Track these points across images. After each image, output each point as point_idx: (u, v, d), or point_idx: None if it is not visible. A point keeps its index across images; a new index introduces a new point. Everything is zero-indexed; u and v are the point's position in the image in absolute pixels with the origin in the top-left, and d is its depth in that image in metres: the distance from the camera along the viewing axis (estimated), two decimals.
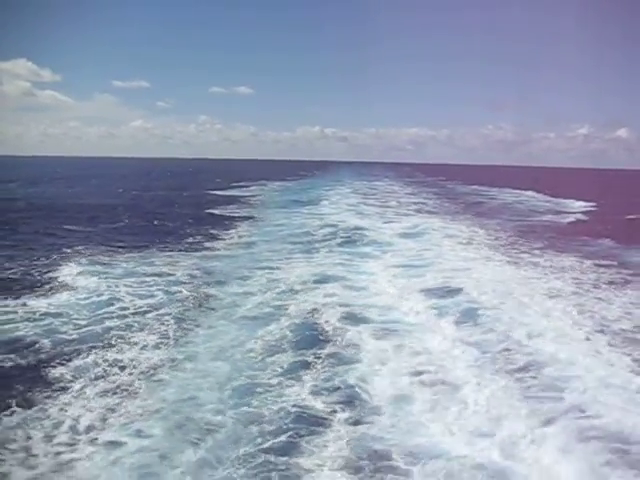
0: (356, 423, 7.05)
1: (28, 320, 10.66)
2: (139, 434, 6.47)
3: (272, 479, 5.71)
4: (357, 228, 25.20)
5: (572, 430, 6.61)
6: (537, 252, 20.45)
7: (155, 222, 26.86)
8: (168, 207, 35.58)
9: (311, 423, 7.01)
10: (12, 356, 8.89)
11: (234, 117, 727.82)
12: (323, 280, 14.79)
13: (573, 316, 11.99)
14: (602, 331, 10.96)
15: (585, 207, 42.16)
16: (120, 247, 19.10)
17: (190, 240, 21.46)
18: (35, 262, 16.19)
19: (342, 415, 7.25)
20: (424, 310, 12.39)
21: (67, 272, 14.49)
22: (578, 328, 11.08)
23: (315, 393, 7.86)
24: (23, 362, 8.72)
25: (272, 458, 6.07)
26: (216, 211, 32.87)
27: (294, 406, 7.42)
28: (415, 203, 41.70)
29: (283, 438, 6.56)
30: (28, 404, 7.27)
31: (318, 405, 7.53)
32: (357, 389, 8.06)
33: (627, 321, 11.73)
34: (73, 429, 6.57)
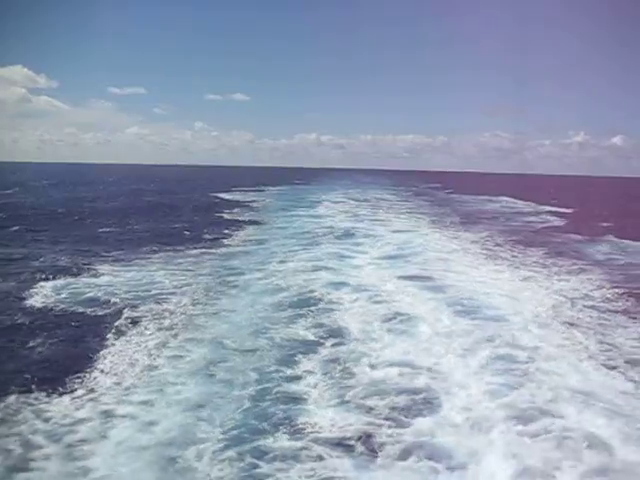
0: (335, 345, 10.43)
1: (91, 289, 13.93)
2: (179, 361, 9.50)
3: (281, 373, 9.05)
4: (350, 229, 28.40)
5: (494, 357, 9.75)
6: (510, 247, 23.62)
7: (174, 225, 29.81)
8: (180, 211, 38.58)
9: (305, 346, 10.38)
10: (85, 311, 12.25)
11: (230, 124, 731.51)
12: (318, 267, 18.06)
13: (515, 281, 15.46)
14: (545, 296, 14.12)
15: (562, 212, 45.28)
16: (146, 245, 22.05)
17: (207, 238, 24.69)
18: (78, 256, 19.23)
19: (326, 341, 10.68)
20: (392, 280, 16.33)
21: (107, 267, 17.38)
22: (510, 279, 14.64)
23: (307, 329, 11.39)
24: (93, 314, 12.22)
25: (282, 365, 9.42)
26: (224, 215, 35.98)
27: (294, 337, 10.91)
28: (406, 209, 44.81)
29: (287, 352, 10.03)
30: (106, 340, 10.45)
31: (309, 336, 10.96)
32: (335, 326, 11.56)
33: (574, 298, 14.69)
34: (133, 358, 9.61)
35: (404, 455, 6.63)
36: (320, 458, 6.48)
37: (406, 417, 7.60)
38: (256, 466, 6.24)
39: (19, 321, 11.49)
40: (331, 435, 7.03)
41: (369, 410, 7.76)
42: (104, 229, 27.19)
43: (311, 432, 7.07)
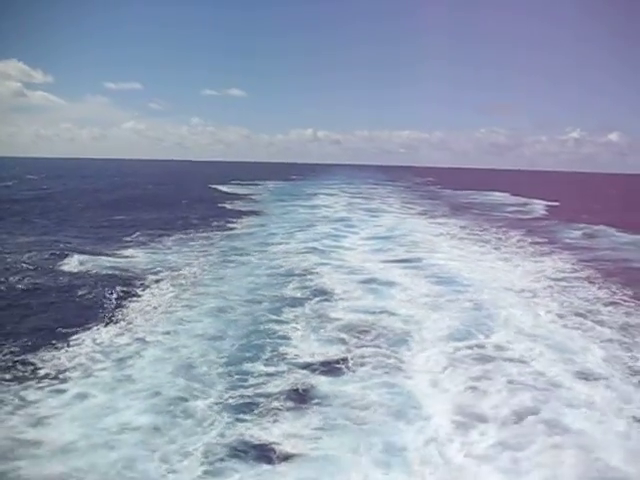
0: (319, 302, 12.60)
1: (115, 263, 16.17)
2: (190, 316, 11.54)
3: (272, 318, 11.26)
4: (343, 217, 30.51)
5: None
6: (492, 233, 25.73)
7: (181, 214, 31.72)
8: (183, 202, 40.64)
9: (292, 301, 12.62)
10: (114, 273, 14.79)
11: (227, 119, 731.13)
12: (311, 246, 20.36)
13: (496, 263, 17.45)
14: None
15: (547, 205, 47.33)
16: (157, 230, 24.06)
17: (213, 224, 26.85)
18: (96, 240, 21.36)
19: (312, 299, 12.85)
20: (377, 256, 18.94)
21: (131, 251, 19.20)
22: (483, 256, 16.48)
23: (295, 289, 13.74)
24: (121, 277, 14.69)
25: (272, 314, 11.58)
26: (226, 205, 38.20)
27: (284, 295, 13.21)
28: (399, 201, 46.83)
29: (277, 305, 12.25)
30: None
31: (297, 295, 13.24)
32: (320, 288, 13.82)
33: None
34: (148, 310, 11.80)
35: (373, 370, 8.70)
36: (301, 375, 8.47)
37: (376, 346, 9.70)
38: (250, 380, 8.25)
39: (63, 281, 14.30)
40: (311, 360, 9.07)
41: (344, 342, 9.89)
42: (115, 217, 29.06)
43: (294, 358, 9.12)
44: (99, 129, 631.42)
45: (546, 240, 23.98)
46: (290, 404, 7.46)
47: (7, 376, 8.05)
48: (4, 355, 8.87)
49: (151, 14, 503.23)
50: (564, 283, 15.26)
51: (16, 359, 8.68)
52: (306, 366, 8.80)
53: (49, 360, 8.73)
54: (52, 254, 17.12)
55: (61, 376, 8.15)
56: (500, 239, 24.07)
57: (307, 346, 9.65)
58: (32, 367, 8.43)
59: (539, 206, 46.04)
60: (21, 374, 8.18)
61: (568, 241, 24.19)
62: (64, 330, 10.13)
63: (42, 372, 8.27)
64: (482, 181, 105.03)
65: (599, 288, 14.70)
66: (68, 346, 9.34)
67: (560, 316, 11.85)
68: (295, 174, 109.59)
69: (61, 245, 19.25)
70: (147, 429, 6.68)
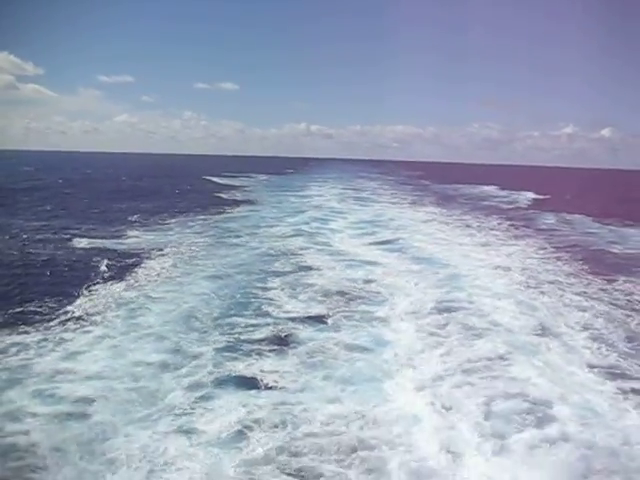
0: (303, 274, 14.10)
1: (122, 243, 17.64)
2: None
3: (259, 284, 12.90)
4: (334, 206, 32.14)
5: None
6: (474, 220, 27.34)
7: (180, 202, 33.33)
8: (181, 191, 42.29)
9: (278, 273, 14.14)
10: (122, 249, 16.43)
11: (220, 113, 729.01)
12: (300, 230, 21.95)
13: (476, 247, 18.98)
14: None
15: (532, 197, 49.04)
16: (158, 216, 25.60)
17: (210, 210, 28.63)
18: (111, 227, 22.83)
19: (296, 271, 14.42)
20: (360, 238, 20.61)
21: (137, 231, 21.05)
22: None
23: (283, 264, 15.41)
24: (129, 251, 16.59)
25: (259, 282, 13.26)
26: (222, 194, 39.82)
27: (271, 268, 14.81)
28: (388, 192, 48.40)
29: (265, 275, 13.96)
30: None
31: (283, 268, 14.89)
32: (304, 264, 15.36)
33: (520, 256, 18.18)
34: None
35: (345, 321, 10.28)
36: (283, 326, 9.96)
37: (349, 304, 11.33)
38: (238, 329, 9.74)
39: (77, 254, 16.25)
40: (291, 315, 10.60)
41: (321, 302, 11.45)
42: (114, 205, 30.36)
43: (277, 314, 10.64)
44: (91, 122, 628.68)
45: (523, 226, 25.60)
46: (272, 347, 8.94)
47: (51, 323, 9.83)
48: (44, 307, 10.73)
49: (144, 7, 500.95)
50: (533, 261, 16.86)
51: (54, 308, 10.68)
52: (287, 319, 10.33)
53: (77, 309, 10.63)
54: (62, 236, 18.80)
55: (86, 321, 9.88)
56: (480, 225, 25.67)
57: (289, 305, 11.21)
58: (66, 315, 10.32)
59: (524, 198, 47.72)
60: (57, 320, 10.02)
61: (544, 227, 25.81)
62: (84, 288, 12.18)
63: (73, 318, 10.12)
64: (473, 175, 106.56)
65: (563, 264, 16.34)
66: (89, 300, 11.24)
67: (525, 285, 13.40)
68: (288, 168, 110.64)
69: (69, 229, 20.78)
70: (156, 364, 8.13)
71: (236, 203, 33.05)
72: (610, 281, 14.07)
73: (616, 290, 13.23)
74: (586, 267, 15.88)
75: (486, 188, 63.14)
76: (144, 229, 21.25)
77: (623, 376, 7.98)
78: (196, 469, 5.48)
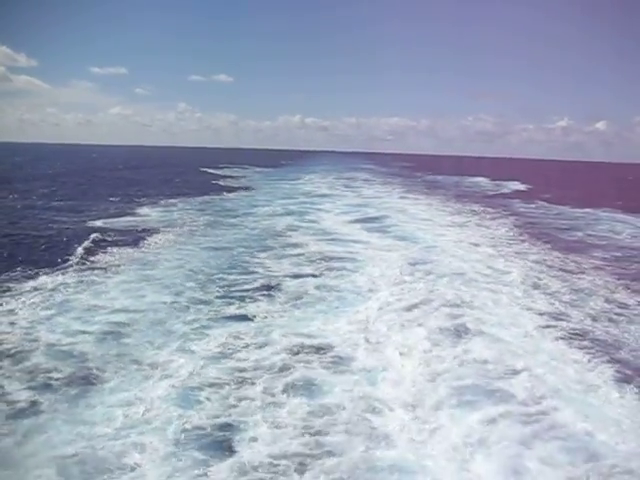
0: (291, 246, 16.02)
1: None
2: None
3: (251, 251, 14.97)
4: (325, 193, 34.26)
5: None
6: (456, 204, 29.38)
7: (177, 189, 35.34)
8: (180, 180, 44.62)
9: (269, 245, 16.16)
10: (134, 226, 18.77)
11: (214, 105, 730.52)
12: (290, 211, 24.23)
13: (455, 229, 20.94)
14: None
15: (515, 187, 51.13)
16: (164, 200, 27.89)
17: (210, 194, 31.19)
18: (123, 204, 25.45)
19: (285, 245, 16.28)
20: (346, 217, 22.82)
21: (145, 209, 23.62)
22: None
23: (273, 238, 17.39)
24: (139, 227, 18.56)
25: (256, 250, 15.21)
26: (220, 182, 42.40)
27: (264, 242, 16.83)
28: (379, 181, 50.43)
29: (257, 245, 16.22)
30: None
31: (274, 242, 16.84)
32: (293, 240, 17.23)
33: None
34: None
35: (327, 272, 12.51)
36: (271, 279, 11.98)
37: (330, 264, 13.42)
38: (234, 283, 11.63)
39: (95, 228, 18.52)
40: (279, 273, 12.59)
41: (305, 264, 13.58)
42: (119, 191, 32.27)
43: (267, 272, 12.65)
44: (85, 114, 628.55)
45: (501, 210, 27.69)
46: (263, 293, 10.90)
47: (85, 273, 12.16)
48: (79, 258, 13.42)
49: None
50: (502, 237, 18.88)
51: (86, 259, 13.44)
52: (275, 274, 12.37)
53: (103, 260, 13.37)
54: (82, 217, 21.10)
55: (112, 270, 12.36)
56: (461, 208, 27.79)
57: (276, 267, 13.20)
58: (94, 264, 13.01)
59: (507, 188, 49.77)
60: (89, 268, 12.65)
61: (519, 212, 27.79)
62: (106, 248, 14.87)
63: (100, 268, 12.58)
64: (465, 167, 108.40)
65: (526, 240, 18.38)
66: (112, 256, 13.84)
67: (490, 255, 15.37)
68: (284, 160, 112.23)
69: (89, 211, 23.19)
70: (169, 304, 10.06)
71: (233, 189, 35.51)
72: (557, 250, 16.39)
73: (567, 258, 15.32)
74: (541, 241, 18.03)
75: (475, 179, 65.15)
76: (152, 208, 24.11)
77: (561, 319, 9.77)
78: (195, 372, 7.19)
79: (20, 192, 29.35)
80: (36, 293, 10.28)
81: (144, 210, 23.36)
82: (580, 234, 21.00)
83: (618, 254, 16.84)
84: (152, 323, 9.05)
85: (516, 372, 7.36)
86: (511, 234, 19.76)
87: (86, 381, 6.86)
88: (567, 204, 32.19)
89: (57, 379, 6.83)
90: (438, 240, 17.66)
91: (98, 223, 19.43)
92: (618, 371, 7.43)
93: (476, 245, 17.19)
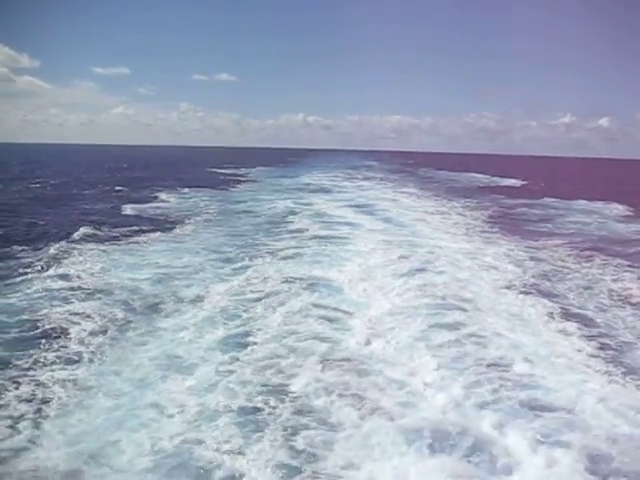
0: (293, 232, 18.54)
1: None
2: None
3: (260, 231, 17.82)
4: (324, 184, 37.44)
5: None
6: (444, 196, 32.13)
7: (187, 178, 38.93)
8: (192, 176, 47.83)
9: (275, 229, 18.68)
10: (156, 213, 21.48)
11: (217, 105, 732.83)
12: (294, 201, 27.27)
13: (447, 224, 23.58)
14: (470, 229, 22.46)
15: (506, 183, 53.55)
16: (179, 189, 31.55)
17: (220, 187, 35.06)
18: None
19: (288, 231, 18.48)
20: (338, 204, 25.91)
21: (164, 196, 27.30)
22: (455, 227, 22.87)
23: (277, 223, 19.95)
24: (164, 213, 21.13)
25: (265, 235, 17.68)
26: (227, 178, 45.64)
27: (269, 227, 19.26)
28: (377, 177, 53.22)
29: (265, 226, 19.24)
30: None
31: (277, 226, 19.24)
32: (293, 228, 19.20)
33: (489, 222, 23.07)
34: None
35: (325, 244, 15.28)
36: (276, 247, 14.95)
37: (327, 239, 16.35)
38: (246, 252, 14.25)
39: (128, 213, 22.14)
40: (280, 247, 15.29)
41: (303, 240, 16.35)
42: (142, 183, 35.77)
43: (271, 248, 15.20)
44: (88, 115, 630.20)
45: (483, 200, 30.43)
46: (267, 259, 13.64)
47: (129, 243, 15.20)
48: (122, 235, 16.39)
49: None
50: (482, 224, 21.54)
51: (127, 235, 16.50)
52: (278, 250, 14.94)
53: (137, 236, 16.38)
54: (112, 205, 24.65)
55: (141, 244, 15.35)
56: (448, 198, 30.78)
57: (280, 244, 15.79)
58: (117, 240, 15.90)
59: (498, 183, 52.28)
60: (107, 241, 15.55)
61: (505, 205, 30.15)
62: (140, 228, 17.87)
63: (122, 244, 15.42)
64: (466, 164, 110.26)
65: (502, 227, 20.72)
66: (144, 234, 16.80)
67: (467, 241, 17.79)
68: (289, 159, 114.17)
69: (123, 197, 27.44)
70: (198, 262, 12.95)
71: (241, 183, 39.36)
72: (532, 236, 18.68)
73: (538, 244, 17.39)
74: (517, 230, 20.13)
75: (472, 175, 67.44)
76: (172, 195, 28.41)
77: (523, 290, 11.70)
78: (222, 302, 9.97)
79: (54, 186, 33.59)
80: (96, 254, 13.41)
81: (164, 197, 27.67)
82: (550, 224, 22.59)
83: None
84: (189, 273, 12.05)
85: (465, 300, 10.20)
86: (486, 222, 22.22)
87: (151, 309, 9.62)
88: (556, 197, 33.82)
89: (132, 306, 9.68)
90: (418, 223, 20.53)
91: (128, 208, 23.12)
92: (551, 309, 9.94)
93: (457, 233, 19.69)
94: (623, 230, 21.18)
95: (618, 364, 7.57)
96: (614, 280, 12.37)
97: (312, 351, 7.75)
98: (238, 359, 7.48)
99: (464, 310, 9.67)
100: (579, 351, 8.06)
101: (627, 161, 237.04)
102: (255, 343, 8.04)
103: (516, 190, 42.40)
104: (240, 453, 5.36)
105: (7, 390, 6.35)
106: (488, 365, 7.36)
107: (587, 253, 15.62)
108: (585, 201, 31.44)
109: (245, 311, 9.46)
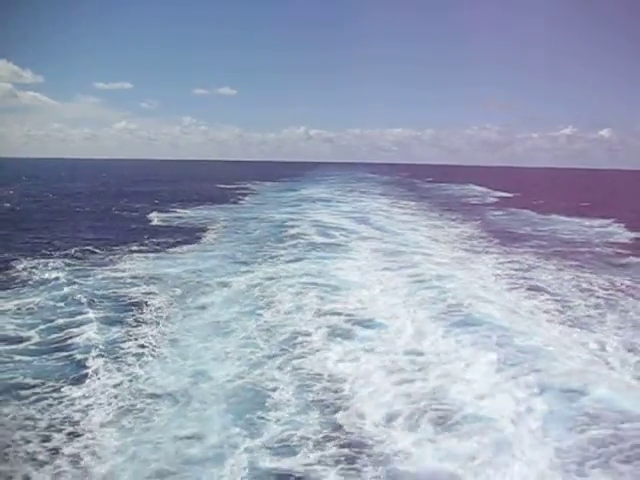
0: (295, 237, 21.60)
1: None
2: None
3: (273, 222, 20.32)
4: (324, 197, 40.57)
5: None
6: (436, 208, 34.84)
7: (196, 195, 41.94)
8: (200, 191, 50.76)
9: (280, 236, 21.54)
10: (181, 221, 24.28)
11: (219, 118, 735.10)
12: (295, 210, 30.49)
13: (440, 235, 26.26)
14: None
15: (498, 194, 55.91)
16: (195, 206, 34.25)
17: (229, 200, 38.72)
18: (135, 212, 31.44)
19: (292, 237, 21.34)
20: (335, 215, 28.88)
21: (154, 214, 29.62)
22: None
23: (280, 229, 23.02)
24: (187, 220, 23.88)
25: (266, 237, 20.47)
26: (234, 191, 48.56)
27: (274, 232, 21.85)
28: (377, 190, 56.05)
29: (270, 231, 22.78)
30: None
31: (282, 232, 22.28)
32: (295, 232, 22.29)
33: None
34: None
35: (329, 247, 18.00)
36: (283, 248, 17.74)
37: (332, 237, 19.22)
38: (258, 251, 17.17)
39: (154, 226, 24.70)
40: (283, 252, 18.02)
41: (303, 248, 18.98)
42: (148, 199, 38.31)
43: (274, 253, 17.89)
44: (90, 129, 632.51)
45: (473, 213, 32.98)
46: (280, 252, 17.10)
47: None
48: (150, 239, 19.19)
49: (141, 14, 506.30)
50: (467, 238, 23.98)
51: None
52: (281, 255, 17.59)
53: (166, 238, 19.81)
54: (142, 213, 28.70)
55: (170, 250, 18.19)
56: (440, 211, 33.37)
57: (281, 251, 18.35)
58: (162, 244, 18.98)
59: (491, 195, 54.72)
60: (137, 242, 19.16)
61: (490, 217, 32.59)
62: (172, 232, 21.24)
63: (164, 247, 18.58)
64: (464, 176, 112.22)
65: (486, 238, 23.12)
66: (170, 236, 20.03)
67: (452, 248, 20.32)
68: (291, 173, 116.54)
69: (146, 208, 31.38)
70: (217, 263, 15.82)
71: (247, 197, 42.77)
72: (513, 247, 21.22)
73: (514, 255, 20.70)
74: (504, 240, 22.36)
75: (468, 188, 69.41)
76: (189, 209, 32.02)
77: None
78: (242, 289, 12.89)
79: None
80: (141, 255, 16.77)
81: (183, 210, 30.89)
82: (528, 233, 24.86)
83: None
84: (214, 267, 15.32)
85: (442, 277, 13.48)
86: (471, 233, 24.65)
87: (192, 291, 12.70)
88: (541, 209, 35.78)
89: (182, 288, 12.88)
90: (411, 235, 23.04)
91: (154, 215, 27.57)
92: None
93: (439, 241, 22.15)
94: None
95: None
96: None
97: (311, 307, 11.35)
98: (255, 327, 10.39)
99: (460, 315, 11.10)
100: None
101: (627, 172, 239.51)
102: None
103: (504, 202, 44.44)
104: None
105: (123, 341, 9.44)
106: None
107: (571, 263, 17.05)
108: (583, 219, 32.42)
109: (255, 293, 12.53)
